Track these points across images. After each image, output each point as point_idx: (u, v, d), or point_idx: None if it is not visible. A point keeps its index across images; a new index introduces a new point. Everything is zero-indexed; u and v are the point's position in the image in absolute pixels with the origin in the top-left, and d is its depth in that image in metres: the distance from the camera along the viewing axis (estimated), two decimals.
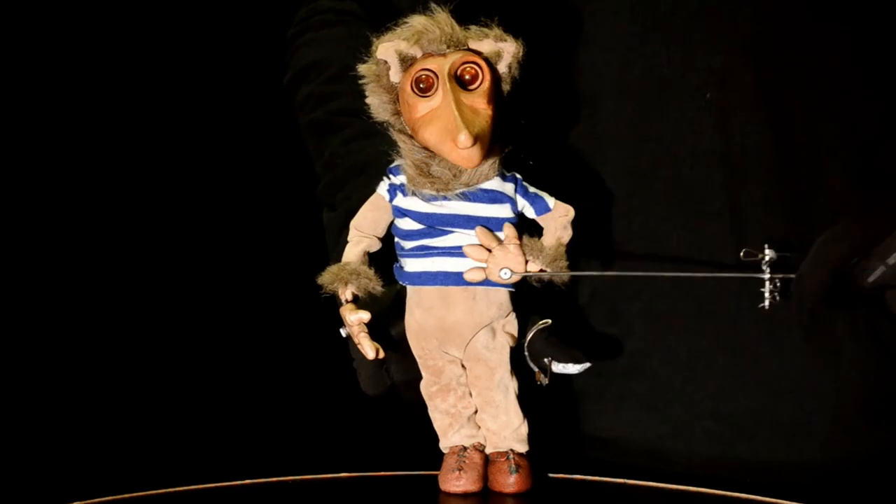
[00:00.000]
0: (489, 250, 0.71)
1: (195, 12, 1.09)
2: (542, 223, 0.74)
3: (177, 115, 1.08)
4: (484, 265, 0.71)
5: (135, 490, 0.77)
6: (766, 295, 0.73)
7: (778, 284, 0.73)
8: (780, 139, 0.86)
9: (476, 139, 0.65)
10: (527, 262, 0.71)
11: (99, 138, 1.07)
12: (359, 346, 0.72)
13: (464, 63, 0.68)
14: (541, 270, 0.71)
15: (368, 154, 0.86)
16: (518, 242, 0.72)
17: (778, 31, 0.86)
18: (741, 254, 0.74)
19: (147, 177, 1.08)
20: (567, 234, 0.73)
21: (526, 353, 0.76)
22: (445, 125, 0.66)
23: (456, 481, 0.75)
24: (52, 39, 1.06)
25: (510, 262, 0.71)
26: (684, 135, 0.87)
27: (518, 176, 0.73)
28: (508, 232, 0.72)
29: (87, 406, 1.03)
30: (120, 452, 0.99)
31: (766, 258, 0.73)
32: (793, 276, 0.73)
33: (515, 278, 0.71)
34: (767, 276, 0.73)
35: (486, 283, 0.72)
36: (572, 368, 0.74)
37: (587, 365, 0.74)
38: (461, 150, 0.65)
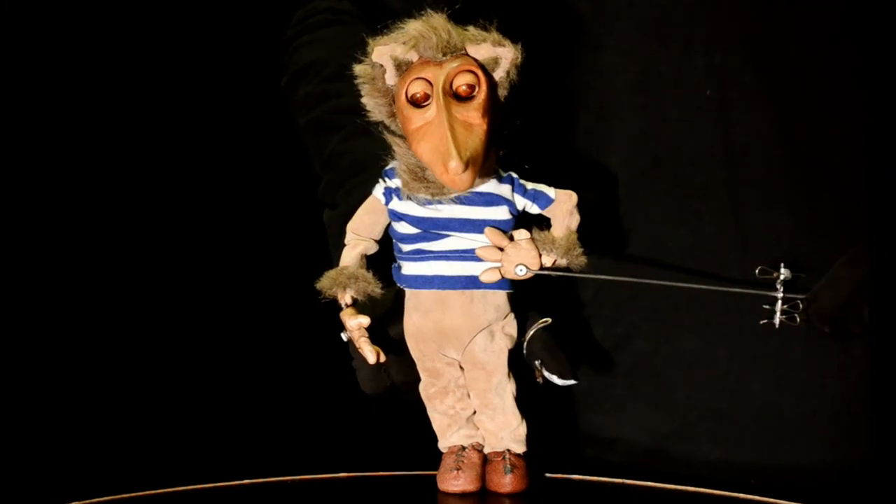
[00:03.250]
0: (501, 249, 0.71)
1: (193, 14, 1.08)
2: (548, 215, 0.73)
3: (174, 117, 1.08)
4: (498, 265, 0.71)
5: (135, 490, 0.77)
6: (778, 314, 0.72)
7: (800, 305, 0.72)
8: (781, 135, 0.86)
9: (467, 164, 0.64)
10: (540, 255, 0.71)
11: (97, 140, 1.07)
12: (360, 351, 0.72)
13: (459, 73, 0.67)
14: (555, 262, 0.71)
15: (368, 151, 0.85)
16: (530, 237, 0.71)
17: (776, 27, 0.86)
18: (756, 271, 0.74)
19: (145, 179, 1.08)
20: (575, 220, 0.73)
21: (524, 352, 0.76)
22: (437, 147, 0.66)
23: (454, 481, 0.75)
24: (51, 40, 1.06)
25: (524, 257, 0.71)
26: (685, 132, 0.87)
27: (514, 176, 0.73)
28: (518, 229, 0.72)
29: (87, 406, 1.03)
30: (120, 452, 0.99)
31: (781, 277, 0.72)
32: (802, 297, 0.72)
33: (531, 274, 0.71)
34: (780, 294, 0.72)
35: (499, 283, 0.72)
36: (557, 381, 0.74)
37: (572, 382, 0.74)
38: (452, 175, 0.65)
